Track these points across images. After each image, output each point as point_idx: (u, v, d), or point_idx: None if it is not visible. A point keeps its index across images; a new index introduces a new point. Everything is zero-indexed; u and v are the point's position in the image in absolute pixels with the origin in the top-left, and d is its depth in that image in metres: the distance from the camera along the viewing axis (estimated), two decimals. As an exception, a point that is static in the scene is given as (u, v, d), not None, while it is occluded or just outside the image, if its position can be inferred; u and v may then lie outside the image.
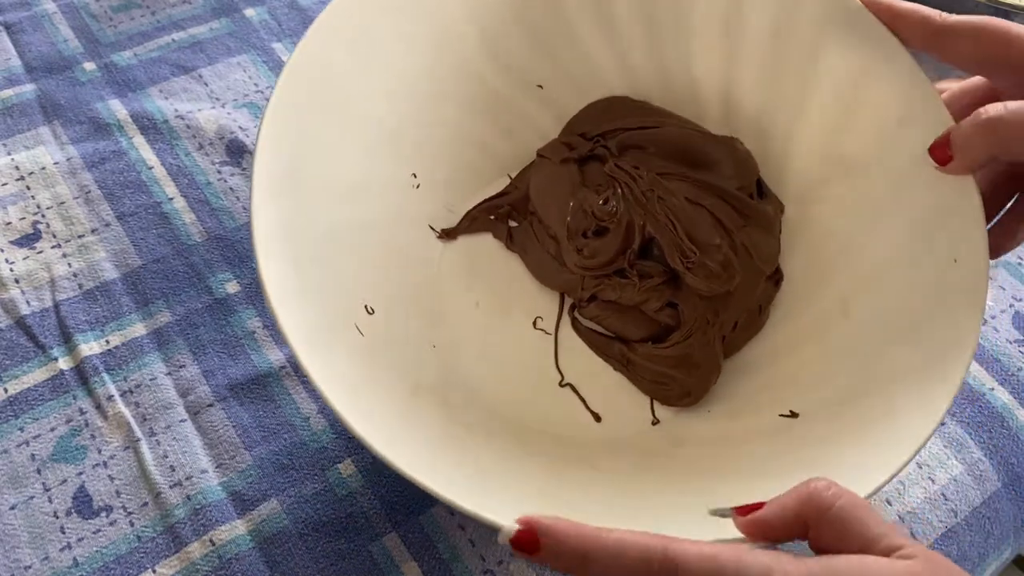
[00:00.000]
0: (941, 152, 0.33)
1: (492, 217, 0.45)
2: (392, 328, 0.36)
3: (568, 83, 0.45)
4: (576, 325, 0.42)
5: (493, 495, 0.29)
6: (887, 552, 0.23)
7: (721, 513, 0.26)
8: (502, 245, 0.44)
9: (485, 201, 0.45)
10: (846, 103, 0.39)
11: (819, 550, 0.25)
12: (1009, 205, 0.36)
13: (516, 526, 0.24)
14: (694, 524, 0.28)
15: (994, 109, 0.31)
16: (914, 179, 0.35)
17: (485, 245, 0.44)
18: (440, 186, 0.43)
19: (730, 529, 0.26)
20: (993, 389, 0.44)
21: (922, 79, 0.35)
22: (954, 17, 0.33)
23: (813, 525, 0.24)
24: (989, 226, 0.34)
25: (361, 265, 0.37)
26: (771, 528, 0.25)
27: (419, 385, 0.35)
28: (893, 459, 0.28)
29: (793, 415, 0.35)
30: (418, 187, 0.42)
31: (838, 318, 0.37)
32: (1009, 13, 0.54)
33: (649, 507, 0.32)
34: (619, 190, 0.42)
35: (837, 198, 0.39)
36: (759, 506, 0.25)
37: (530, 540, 0.24)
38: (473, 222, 0.44)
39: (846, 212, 0.39)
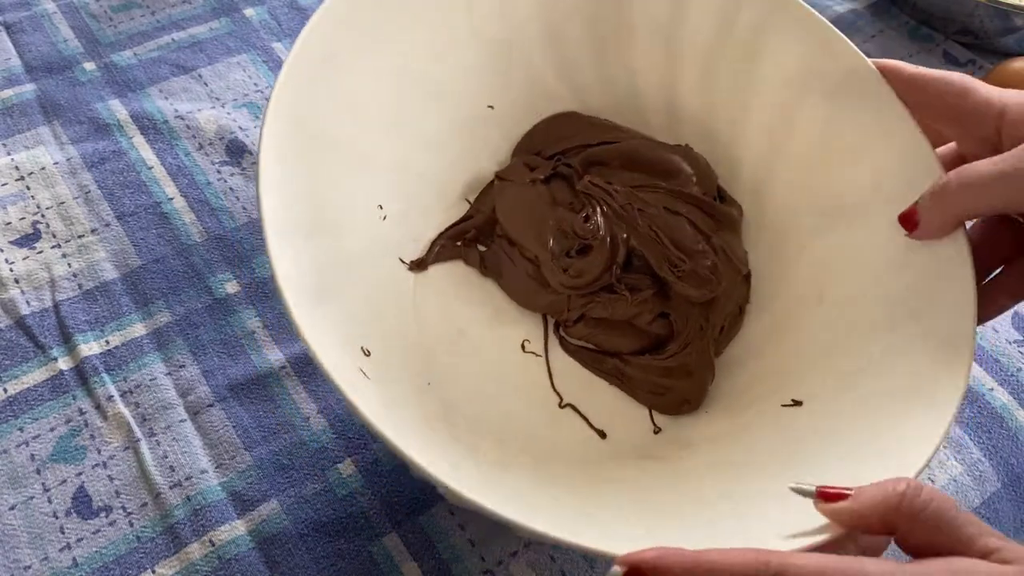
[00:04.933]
0: (909, 221, 0.33)
1: (459, 243, 0.43)
2: (389, 368, 0.35)
3: (518, 102, 0.45)
4: (564, 344, 0.41)
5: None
6: (984, 554, 0.24)
7: (803, 492, 0.26)
8: (475, 271, 0.43)
9: (448, 228, 0.43)
10: (788, 100, 0.40)
11: (909, 550, 0.25)
12: (992, 276, 0.35)
13: (620, 569, 0.24)
14: (715, 525, 0.28)
15: (943, 179, 0.31)
16: (855, 174, 0.37)
17: (458, 272, 0.43)
18: (403, 217, 0.42)
19: (761, 533, 0.26)
20: (992, 389, 0.44)
21: (867, 68, 0.37)
22: (923, 69, 0.35)
23: (905, 526, 0.24)
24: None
25: (353, 304, 0.36)
26: (863, 522, 0.25)
27: (428, 418, 0.35)
28: (913, 454, 0.28)
29: (796, 403, 0.35)
30: (384, 219, 0.40)
31: (812, 305, 0.38)
32: (1009, 14, 0.54)
33: (668, 505, 0.32)
34: (598, 206, 0.42)
35: (788, 196, 0.41)
36: (844, 496, 0.25)
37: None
38: (441, 250, 0.43)
39: (799, 209, 0.40)
